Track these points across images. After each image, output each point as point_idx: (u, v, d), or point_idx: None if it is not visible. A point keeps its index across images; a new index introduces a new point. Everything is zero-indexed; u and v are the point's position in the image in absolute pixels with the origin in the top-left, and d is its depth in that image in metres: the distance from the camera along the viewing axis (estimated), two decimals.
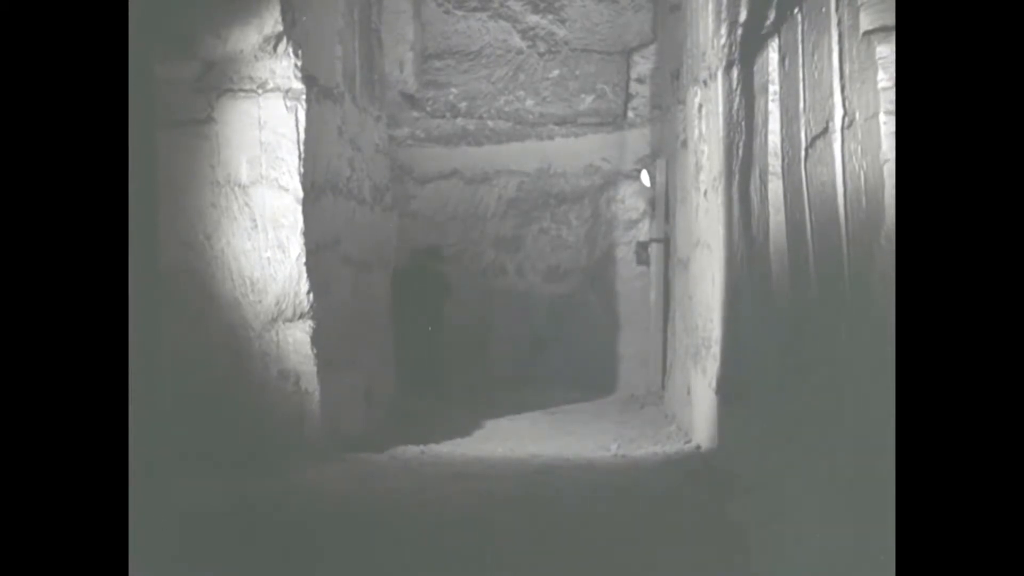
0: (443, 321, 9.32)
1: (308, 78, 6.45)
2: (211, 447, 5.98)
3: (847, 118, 3.87)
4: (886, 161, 3.41)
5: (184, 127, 6.38)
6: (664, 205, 9.08)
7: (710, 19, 6.17)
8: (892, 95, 3.37)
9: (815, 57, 4.28)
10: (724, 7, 5.87)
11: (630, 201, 9.83)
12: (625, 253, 9.82)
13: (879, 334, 3.31)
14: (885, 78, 3.44)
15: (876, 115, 3.49)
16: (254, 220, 6.37)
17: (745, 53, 5.66)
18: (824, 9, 4.13)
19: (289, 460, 6.07)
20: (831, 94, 4.03)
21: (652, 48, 9.71)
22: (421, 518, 4.80)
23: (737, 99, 5.69)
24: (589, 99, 9.82)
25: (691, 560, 4.00)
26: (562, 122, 9.86)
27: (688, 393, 7.34)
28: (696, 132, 6.90)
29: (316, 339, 6.44)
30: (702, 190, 6.71)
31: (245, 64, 6.36)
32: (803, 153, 4.47)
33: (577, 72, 9.80)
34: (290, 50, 6.35)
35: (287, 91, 6.35)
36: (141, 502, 3.34)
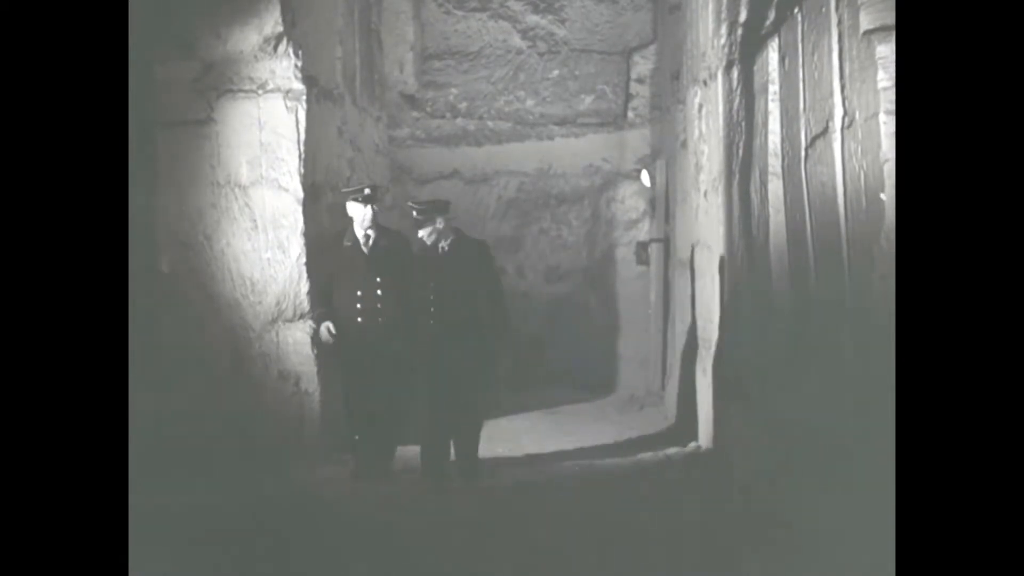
0: None
1: (308, 79, 6.45)
2: (211, 447, 5.98)
3: (847, 118, 3.87)
4: (886, 161, 3.41)
5: (184, 127, 6.39)
6: (664, 205, 9.07)
7: (710, 19, 6.17)
8: (892, 95, 3.36)
9: (815, 57, 4.28)
10: (724, 7, 5.87)
11: (630, 201, 9.82)
12: (625, 253, 9.81)
13: (879, 334, 3.31)
14: (885, 78, 3.44)
15: (876, 115, 3.48)
16: (254, 221, 6.37)
17: (745, 53, 5.66)
18: (824, 9, 4.12)
19: (289, 460, 6.07)
20: (831, 94, 4.03)
21: (652, 48, 9.70)
22: (421, 518, 4.80)
23: (737, 99, 5.68)
24: (589, 99, 9.81)
25: (691, 560, 4.00)
26: (562, 122, 9.84)
27: (688, 393, 7.34)
28: (696, 132, 6.90)
29: (316, 339, 6.44)
30: (702, 190, 6.71)
31: (245, 64, 6.36)
32: (803, 153, 4.47)
33: (577, 72, 9.79)
34: (290, 50, 6.36)
35: (287, 91, 6.35)
36: (141, 502, 3.34)
